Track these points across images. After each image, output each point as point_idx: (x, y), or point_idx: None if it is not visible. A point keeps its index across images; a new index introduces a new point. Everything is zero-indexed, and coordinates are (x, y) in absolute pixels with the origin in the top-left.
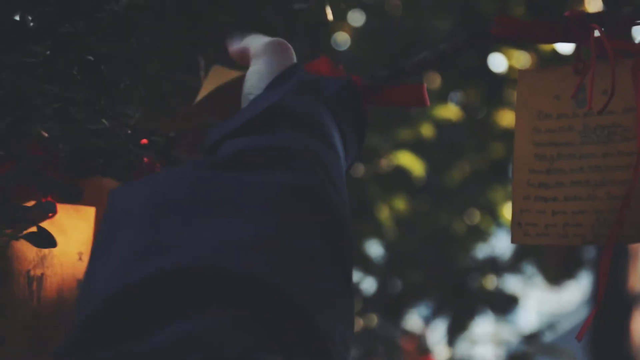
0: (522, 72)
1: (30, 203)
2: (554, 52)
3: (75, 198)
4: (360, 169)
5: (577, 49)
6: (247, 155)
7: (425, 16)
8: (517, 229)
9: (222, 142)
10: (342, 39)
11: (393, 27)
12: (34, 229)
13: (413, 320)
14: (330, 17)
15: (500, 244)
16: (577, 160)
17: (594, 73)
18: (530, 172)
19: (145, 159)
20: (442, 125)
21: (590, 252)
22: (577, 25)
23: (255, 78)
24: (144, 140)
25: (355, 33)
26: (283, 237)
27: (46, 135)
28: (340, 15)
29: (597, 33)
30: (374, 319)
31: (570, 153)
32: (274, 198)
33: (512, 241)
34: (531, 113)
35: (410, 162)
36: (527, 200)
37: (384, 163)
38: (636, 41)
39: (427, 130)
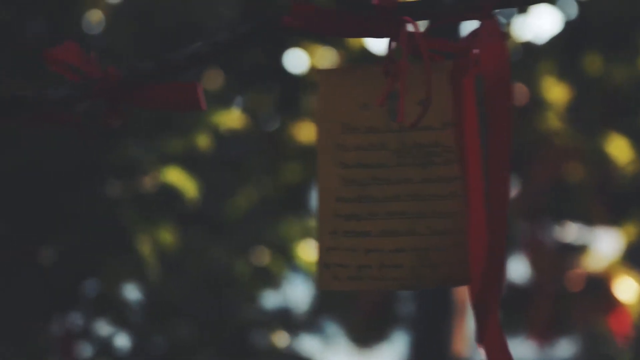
0: (324, 72)
1: None
2: (365, 50)
3: None
4: (115, 188)
5: (388, 47)
6: None
7: None
8: (324, 272)
9: None
10: (95, 18)
11: (159, 8)
12: None
13: None
14: None
15: (295, 293)
16: (393, 185)
17: (405, 77)
18: (338, 200)
19: None
20: (222, 138)
21: (406, 306)
22: (387, 18)
23: None
24: None
25: (112, 12)
26: None
27: None
28: None
29: (410, 28)
30: None
31: (385, 177)
32: None
33: (319, 287)
34: (334, 125)
35: (181, 180)
36: (335, 235)
37: (147, 181)
38: (460, 40)
39: (202, 142)
